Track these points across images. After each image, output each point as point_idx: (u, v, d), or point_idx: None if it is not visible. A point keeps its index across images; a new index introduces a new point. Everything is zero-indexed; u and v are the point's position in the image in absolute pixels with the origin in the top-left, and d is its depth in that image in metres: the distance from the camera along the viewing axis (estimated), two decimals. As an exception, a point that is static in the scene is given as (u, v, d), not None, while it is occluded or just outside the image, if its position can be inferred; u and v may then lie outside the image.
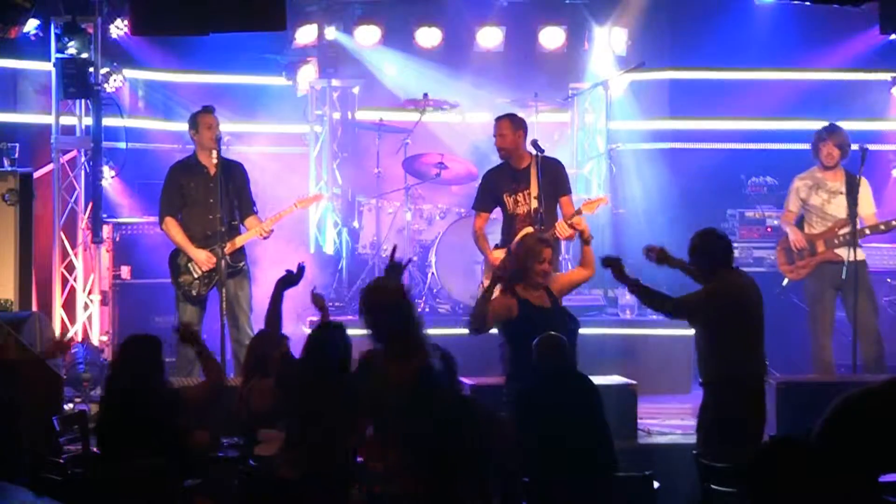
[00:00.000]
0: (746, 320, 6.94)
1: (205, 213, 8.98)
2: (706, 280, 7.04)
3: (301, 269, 6.91)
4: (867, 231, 9.26)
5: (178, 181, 9.10)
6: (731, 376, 6.88)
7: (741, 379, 6.89)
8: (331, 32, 11.65)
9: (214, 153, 8.87)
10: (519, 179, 8.80)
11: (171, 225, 9.05)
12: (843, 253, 9.18)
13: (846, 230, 9.22)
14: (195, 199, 9.04)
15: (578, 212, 8.66)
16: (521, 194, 8.81)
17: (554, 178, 8.83)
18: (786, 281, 9.64)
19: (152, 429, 6.14)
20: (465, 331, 9.06)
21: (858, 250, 9.19)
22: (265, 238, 9.15)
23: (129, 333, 6.64)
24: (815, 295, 9.41)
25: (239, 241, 9.01)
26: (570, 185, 8.98)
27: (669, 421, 8.74)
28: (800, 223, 9.54)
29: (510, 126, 8.86)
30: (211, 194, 8.93)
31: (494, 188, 8.96)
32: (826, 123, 9.63)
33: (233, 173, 9.07)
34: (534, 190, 8.73)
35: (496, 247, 9.00)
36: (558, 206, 8.85)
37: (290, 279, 6.85)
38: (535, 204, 8.71)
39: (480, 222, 9.07)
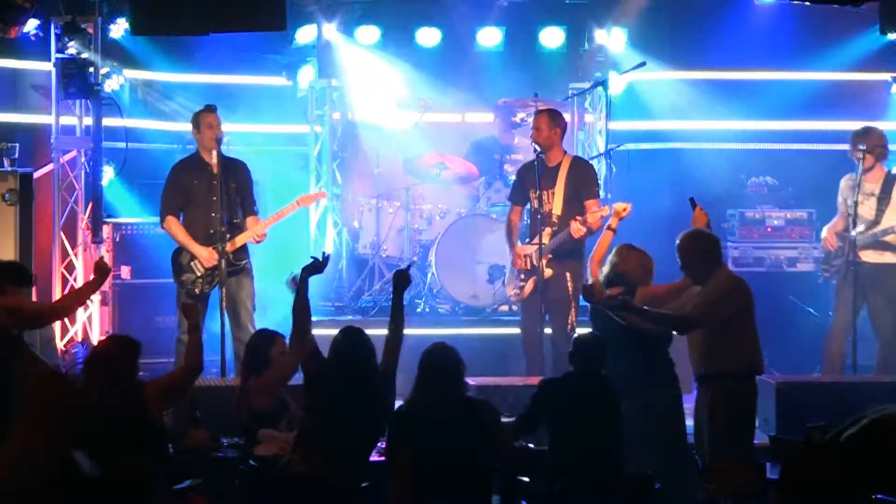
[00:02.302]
0: (749, 313, 6.92)
1: (207, 212, 8.97)
2: (700, 280, 6.98)
3: (326, 257, 6.95)
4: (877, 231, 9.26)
5: (181, 179, 9.09)
6: (745, 369, 6.86)
7: (745, 373, 6.87)
8: (330, 32, 11.64)
9: (215, 152, 8.87)
10: (546, 177, 8.79)
11: (173, 223, 9.05)
12: (866, 254, 9.20)
13: (872, 231, 9.22)
14: (198, 198, 9.03)
15: (584, 220, 8.68)
16: (545, 192, 8.81)
17: (581, 180, 8.83)
18: (822, 278, 9.65)
19: (124, 428, 6.11)
20: (468, 331, 9.14)
21: (886, 253, 9.22)
22: (258, 242, 9.11)
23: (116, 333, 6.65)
24: (837, 291, 9.44)
25: (239, 239, 9.01)
26: (598, 189, 8.99)
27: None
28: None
29: (547, 121, 8.87)
30: (213, 192, 8.92)
31: (525, 183, 8.97)
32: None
33: (235, 172, 9.07)
34: (558, 190, 8.74)
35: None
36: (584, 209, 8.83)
37: (315, 266, 6.87)
38: (550, 207, 8.71)
39: (512, 214, 9.12)
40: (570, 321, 8.70)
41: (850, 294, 9.26)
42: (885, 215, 9.22)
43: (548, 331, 8.83)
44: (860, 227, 9.26)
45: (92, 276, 7.54)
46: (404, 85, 11.72)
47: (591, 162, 9.34)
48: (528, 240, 8.98)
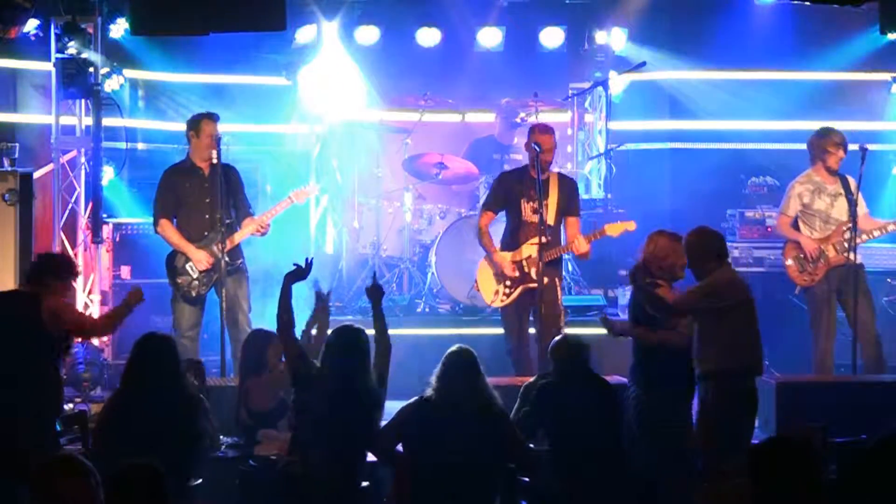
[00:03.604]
0: (747, 313, 6.94)
1: (201, 214, 8.98)
2: (703, 276, 7.05)
3: (308, 263, 6.97)
4: (875, 233, 9.26)
5: (173, 184, 9.09)
6: (737, 368, 6.88)
7: (742, 372, 6.87)
8: (331, 32, 11.64)
9: (214, 153, 8.87)
10: (537, 188, 8.80)
11: (167, 227, 9.04)
12: (851, 256, 9.12)
13: (867, 230, 9.19)
14: (191, 201, 9.03)
15: (602, 231, 8.74)
16: (537, 202, 8.78)
17: (570, 195, 8.93)
18: (798, 289, 9.48)
19: (171, 428, 6.14)
20: (468, 331, 9.07)
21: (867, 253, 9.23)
22: (262, 234, 9.13)
23: (147, 332, 6.62)
24: (822, 299, 9.28)
25: (237, 238, 9.02)
26: (579, 206, 9.07)
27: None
28: (794, 226, 9.48)
29: (554, 140, 8.93)
30: (206, 195, 8.93)
31: (512, 192, 8.96)
32: (820, 126, 9.54)
33: (228, 174, 9.06)
34: (551, 202, 8.78)
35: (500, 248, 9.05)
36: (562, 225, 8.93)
37: (298, 273, 6.90)
38: (545, 217, 8.72)
39: (486, 220, 9.11)
40: (561, 325, 8.75)
41: (832, 297, 9.21)
42: (862, 214, 9.21)
43: (532, 331, 8.90)
44: (832, 229, 9.23)
45: (124, 302, 7.43)
46: (404, 85, 11.73)
47: (574, 178, 9.49)
48: (509, 248, 8.98)
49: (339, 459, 6.28)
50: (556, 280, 8.88)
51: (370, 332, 6.67)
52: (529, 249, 8.81)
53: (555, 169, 9.26)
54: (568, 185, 9.03)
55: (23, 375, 6.82)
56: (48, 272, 7.13)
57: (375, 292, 6.89)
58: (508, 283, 8.94)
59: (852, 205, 9.13)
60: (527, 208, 8.88)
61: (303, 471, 6.27)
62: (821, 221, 9.35)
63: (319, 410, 6.35)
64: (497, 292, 9.01)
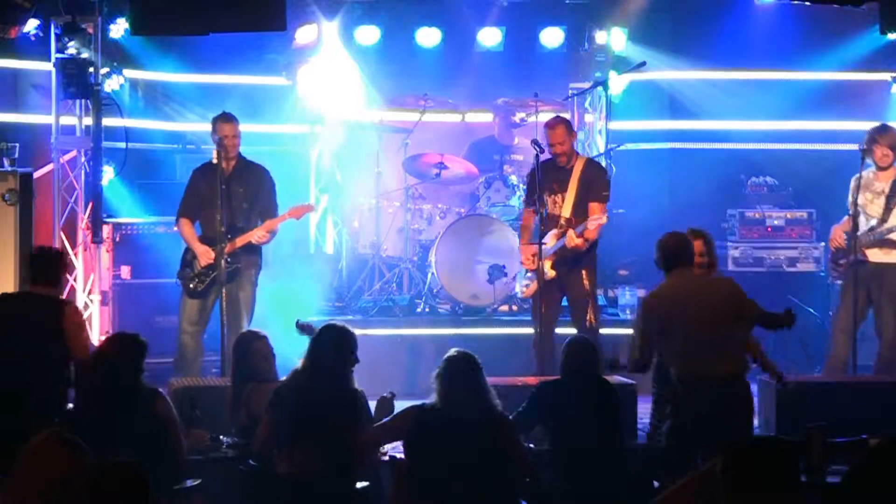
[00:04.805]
0: (674, 322, 6.74)
1: (214, 215, 9.01)
2: None
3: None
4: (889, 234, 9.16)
5: (196, 183, 9.22)
6: (676, 376, 6.83)
7: (677, 382, 6.80)
8: (331, 32, 11.64)
9: (214, 153, 8.91)
10: (560, 180, 8.87)
11: (183, 224, 9.19)
12: (871, 253, 9.09)
13: (879, 230, 9.11)
14: (207, 201, 9.08)
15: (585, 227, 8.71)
16: (558, 195, 8.89)
17: (590, 183, 8.88)
18: (830, 279, 9.55)
19: (127, 427, 6.10)
20: (468, 331, 9.04)
21: (892, 252, 9.15)
22: (263, 243, 9.13)
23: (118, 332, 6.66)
24: (842, 292, 9.32)
25: (238, 242, 9.03)
26: (604, 192, 8.93)
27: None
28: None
29: (565, 133, 8.94)
30: (218, 196, 8.97)
31: (541, 185, 8.99)
32: (878, 124, 9.47)
33: (248, 177, 9.11)
34: (570, 193, 8.80)
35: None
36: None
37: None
38: (559, 210, 8.79)
39: (526, 216, 9.20)
40: (588, 318, 8.76)
41: (852, 292, 9.10)
42: (893, 214, 9.18)
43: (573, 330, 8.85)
44: (867, 226, 9.17)
45: None
46: (404, 85, 11.73)
47: (602, 166, 9.37)
48: (538, 239, 9.02)
49: (325, 459, 6.25)
50: (583, 272, 8.85)
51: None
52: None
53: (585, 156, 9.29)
54: (589, 172, 8.96)
55: (33, 377, 6.81)
56: (62, 268, 7.15)
57: (386, 406, 6.82)
58: (529, 274, 9.03)
59: (889, 205, 9.07)
60: (549, 202, 8.94)
61: (287, 470, 6.27)
62: (863, 217, 9.22)
63: (302, 409, 6.33)
64: (524, 284, 9.23)
